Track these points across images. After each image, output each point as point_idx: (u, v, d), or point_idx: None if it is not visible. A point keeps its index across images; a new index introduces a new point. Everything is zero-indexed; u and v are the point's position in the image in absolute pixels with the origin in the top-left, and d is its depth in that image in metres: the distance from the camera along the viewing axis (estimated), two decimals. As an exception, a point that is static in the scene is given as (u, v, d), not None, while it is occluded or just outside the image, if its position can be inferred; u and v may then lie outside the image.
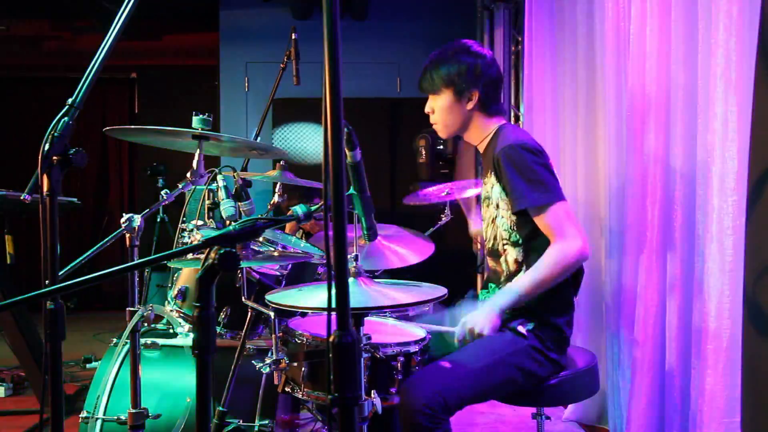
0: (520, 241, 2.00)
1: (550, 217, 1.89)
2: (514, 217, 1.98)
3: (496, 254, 2.08)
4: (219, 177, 2.03)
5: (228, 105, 5.64)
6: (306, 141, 5.30)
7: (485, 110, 2.07)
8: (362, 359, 1.72)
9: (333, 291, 1.00)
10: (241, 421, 2.14)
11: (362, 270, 1.77)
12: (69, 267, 1.60)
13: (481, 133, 2.10)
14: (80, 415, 2.11)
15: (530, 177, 1.90)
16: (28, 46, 6.46)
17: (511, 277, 2.04)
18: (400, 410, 1.77)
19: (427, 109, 2.13)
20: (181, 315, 2.33)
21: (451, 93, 2.05)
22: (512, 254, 2.02)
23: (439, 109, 2.09)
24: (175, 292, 2.32)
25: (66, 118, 1.29)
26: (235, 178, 2.09)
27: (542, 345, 1.95)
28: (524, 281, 1.93)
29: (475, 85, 2.04)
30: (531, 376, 1.94)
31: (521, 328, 1.95)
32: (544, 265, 1.89)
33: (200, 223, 2.10)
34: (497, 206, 2.02)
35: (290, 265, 2.37)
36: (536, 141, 2.01)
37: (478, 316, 1.90)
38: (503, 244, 2.04)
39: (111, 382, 2.16)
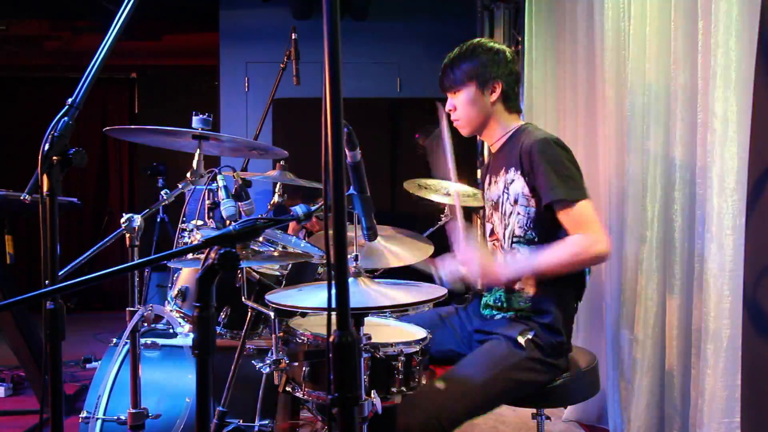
0: (536, 240, 1.98)
1: (578, 212, 1.87)
2: (532, 214, 1.96)
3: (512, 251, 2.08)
4: (219, 177, 2.03)
5: (228, 105, 5.64)
6: (306, 141, 5.31)
7: (507, 104, 2.08)
8: (362, 359, 1.72)
9: (333, 291, 1.00)
10: (241, 421, 2.14)
11: (362, 270, 1.77)
12: (69, 267, 1.60)
13: (500, 129, 2.09)
14: (80, 415, 2.11)
15: (562, 172, 1.89)
16: (28, 46, 6.46)
17: None
18: None
19: (448, 107, 2.12)
20: (181, 315, 2.33)
21: (474, 86, 2.05)
22: (524, 253, 2.00)
23: (462, 103, 2.08)
24: (175, 292, 2.32)
25: (66, 118, 1.29)
26: (235, 178, 2.10)
27: (542, 353, 1.93)
28: (540, 260, 1.90)
29: (499, 77, 2.04)
30: (531, 386, 1.94)
31: (520, 339, 1.93)
32: (566, 252, 1.87)
33: (200, 223, 2.10)
34: (515, 201, 2.00)
35: (290, 265, 2.37)
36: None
37: (484, 268, 1.89)
38: (513, 242, 2.02)
39: (111, 382, 2.16)
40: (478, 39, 2.13)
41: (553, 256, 1.88)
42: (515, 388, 1.90)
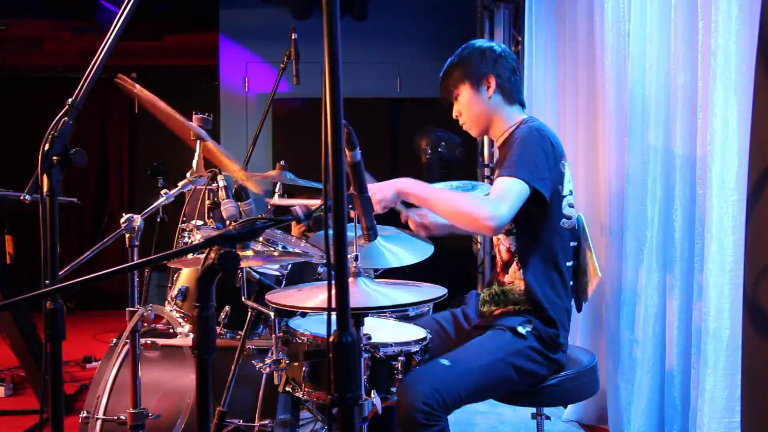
0: (513, 230, 2.01)
1: (504, 183, 1.86)
2: None
3: (497, 242, 2.10)
4: (219, 177, 2.03)
5: (228, 105, 5.64)
6: (306, 141, 5.31)
7: (506, 96, 2.08)
8: (362, 359, 1.72)
9: (333, 291, 1.00)
10: (241, 421, 2.14)
11: (362, 270, 1.77)
12: (69, 267, 1.60)
13: (504, 123, 2.09)
14: (80, 415, 2.11)
15: (527, 154, 1.90)
16: (28, 46, 6.46)
17: (505, 266, 2.04)
18: (398, 407, 1.77)
19: (454, 114, 2.15)
20: (181, 315, 2.33)
21: (468, 86, 2.07)
22: (504, 243, 2.04)
23: (463, 107, 2.10)
24: (175, 292, 2.32)
25: (66, 118, 1.29)
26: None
27: (542, 345, 1.94)
28: (439, 192, 1.95)
29: (489, 70, 2.05)
30: (530, 376, 1.94)
31: (521, 329, 1.94)
32: (464, 198, 1.90)
33: (200, 223, 2.10)
34: None
35: (290, 265, 2.37)
36: (558, 140, 2.01)
37: (379, 187, 1.91)
38: (503, 232, 2.04)
39: (111, 382, 2.16)
40: (466, 44, 2.13)
41: (450, 195, 1.93)
42: (515, 375, 1.91)
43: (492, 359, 1.89)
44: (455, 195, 1.91)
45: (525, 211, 1.91)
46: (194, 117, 2.04)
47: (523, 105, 2.13)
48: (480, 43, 2.11)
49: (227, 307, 2.29)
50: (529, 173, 1.87)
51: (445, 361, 1.85)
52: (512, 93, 2.08)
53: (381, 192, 1.90)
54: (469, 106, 2.09)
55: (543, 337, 1.95)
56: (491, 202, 1.85)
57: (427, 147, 4.76)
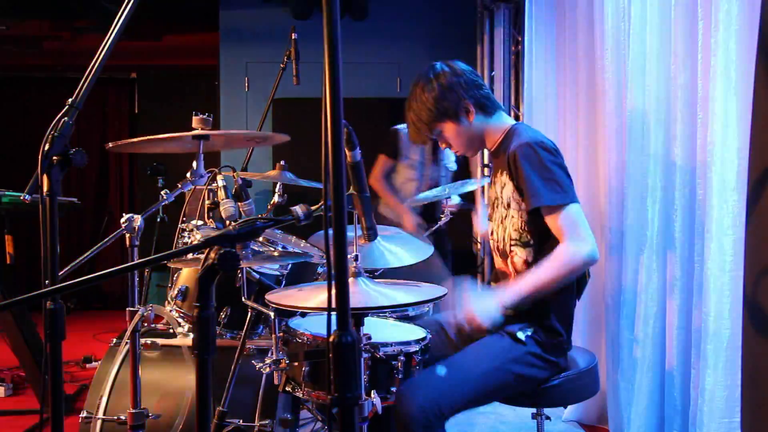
0: (531, 242, 1.97)
1: (563, 217, 1.86)
2: (525, 217, 1.96)
3: (504, 255, 2.07)
4: (219, 177, 2.03)
5: (228, 105, 5.64)
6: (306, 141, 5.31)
7: (486, 112, 2.06)
8: (362, 359, 1.72)
9: (333, 291, 1.00)
10: (241, 421, 2.14)
11: (362, 270, 1.77)
12: (69, 267, 1.60)
13: (494, 134, 2.08)
14: (80, 415, 2.11)
15: (546, 176, 1.87)
16: (28, 46, 6.46)
17: (518, 276, 2.02)
18: (395, 417, 1.77)
19: (443, 146, 2.13)
20: (181, 315, 2.33)
21: (449, 121, 2.04)
22: (521, 255, 2.00)
23: (452, 139, 2.07)
24: (175, 292, 2.32)
25: (66, 118, 1.29)
26: (235, 178, 2.09)
27: (541, 349, 1.94)
28: (530, 280, 1.89)
29: (461, 98, 2.01)
30: (530, 381, 1.94)
31: (520, 334, 1.93)
32: (553, 265, 1.86)
33: (200, 223, 2.10)
34: (508, 206, 2.00)
35: (290, 265, 2.37)
36: (552, 140, 1.99)
37: (480, 308, 1.86)
38: (511, 245, 2.02)
39: (111, 382, 2.16)
40: (416, 83, 2.09)
41: (541, 274, 1.87)
42: (514, 382, 1.90)
43: (491, 366, 1.88)
44: (546, 269, 1.86)
45: (541, 222, 1.91)
46: (194, 118, 2.04)
47: (501, 110, 2.10)
48: (432, 74, 2.05)
49: (227, 307, 2.29)
50: (561, 194, 1.86)
51: (442, 369, 1.84)
52: (489, 106, 2.05)
53: (491, 318, 1.85)
54: (456, 137, 2.06)
55: (542, 342, 1.94)
56: (571, 246, 1.84)
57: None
